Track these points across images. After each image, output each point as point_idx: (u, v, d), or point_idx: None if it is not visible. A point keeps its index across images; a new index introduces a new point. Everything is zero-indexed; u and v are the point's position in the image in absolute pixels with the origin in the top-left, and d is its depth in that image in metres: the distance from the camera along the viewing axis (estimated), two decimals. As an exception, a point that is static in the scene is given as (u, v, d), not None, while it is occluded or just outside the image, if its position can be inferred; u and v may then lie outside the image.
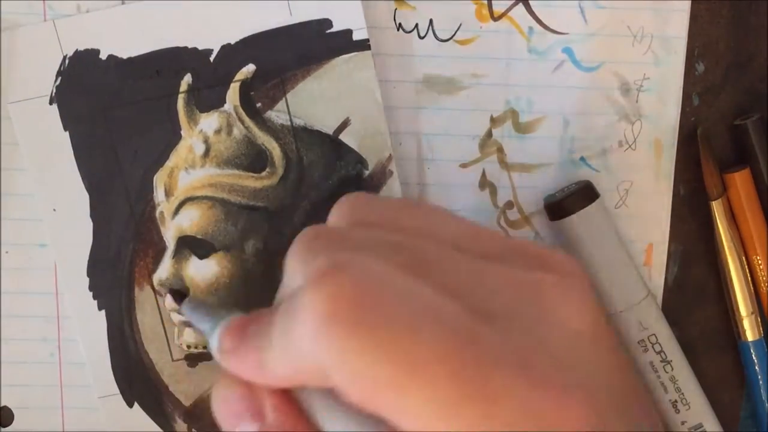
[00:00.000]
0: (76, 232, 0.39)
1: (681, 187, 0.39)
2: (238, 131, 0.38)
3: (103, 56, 0.38)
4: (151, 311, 0.40)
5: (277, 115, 0.38)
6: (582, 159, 0.39)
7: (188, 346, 0.40)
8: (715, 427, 0.39)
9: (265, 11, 0.37)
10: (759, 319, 0.39)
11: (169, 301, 0.39)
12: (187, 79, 0.38)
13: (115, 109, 0.38)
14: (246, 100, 0.38)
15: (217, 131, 0.38)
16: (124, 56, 0.38)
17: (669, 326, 0.38)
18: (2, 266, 0.40)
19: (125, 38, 0.38)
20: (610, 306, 0.38)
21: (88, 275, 0.39)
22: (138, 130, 0.38)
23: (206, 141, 0.38)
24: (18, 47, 0.38)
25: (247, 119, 0.38)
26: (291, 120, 0.38)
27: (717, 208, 0.38)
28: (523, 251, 0.27)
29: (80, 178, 0.39)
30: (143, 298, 0.40)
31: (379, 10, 0.38)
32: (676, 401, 0.38)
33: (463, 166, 0.39)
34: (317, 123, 0.38)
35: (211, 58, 0.38)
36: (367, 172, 0.38)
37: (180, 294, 0.38)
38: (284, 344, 0.26)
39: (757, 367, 0.39)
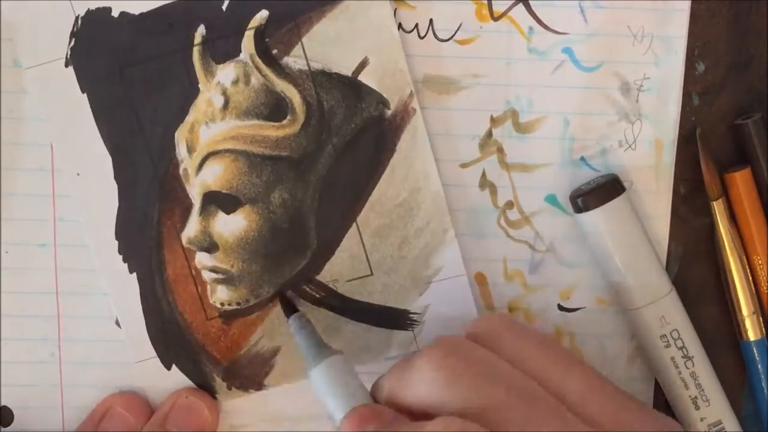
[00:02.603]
0: (101, 196, 0.39)
1: (681, 187, 0.39)
2: (255, 80, 0.38)
3: (115, 14, 0.37)
4: (182, 271, 0.39)
5: (294, 60, 0.37)
6: (582, 159, 0.38)
7: (221, 304, 0.39)
8: (734, 425, 0.38)
9: (275, -45, 0.37)
10: (761, 319, 0.38)
11: (199, 258, 0.39)
12: (201, 30, 0.37)
13: (131, 67, 0.38)
14: (262, 48, 0.37)
15: (235, 82, 0.38)
16: (136, 12, 0.37)
17: (691, 322, 0.38)
18: (2, 266, 0.40)
19: (136, -6, 0.37)
20: (632, 301, 0.38)
21: (117, 238, 0.39)
22: (155, 86, 0.38)
23: (224, 93, 0.38)
24: (29, 10, 0.37)
25: (264, 67, 0.38)
26: (308, 64, 0.37)
27: (717, 208, 0.38)
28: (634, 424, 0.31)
29: (101, 140, 0.38)
30: (173, 258, 0.39)
31: (379, 11, 0.37)
32: (696, 397, 0.38)
33: (463, 166, 0.39)
34: (335, 65, 0.37)
35: (224, 7, 0.37)
36: (389, 112, 0.38)
37: (291, 308, 0.38)
38: None
39: (759, 367, 0.39)
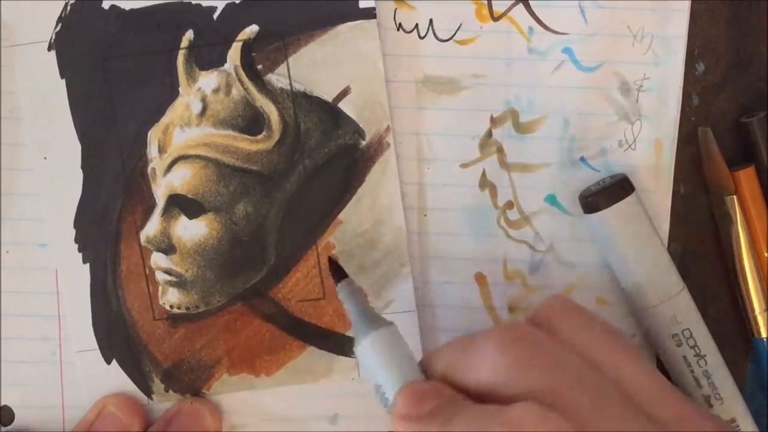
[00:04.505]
0: (65, 183, 0.39)
1: (681, 187, 0.39)
2: (236, 92, 0.38)
3: (105, 6, 0.37)
4: (136, 268, 0.39)
5: (277, 78, 0.38)
6: (582, 159, 0.39)
7: (171, 306, 0.39)
8: (748, 423, 0.38)
9: (273, -28, 0.37)
10: None
11: (154, 258, 0.39)
12: (189, 35, 0.38)
13: (114, 60, 0.38)
14: (247, 61, 0.38)
15: (216, 90, 0.38)
16: (126, 7, 0.37)
17: (704, 321, 0.38)
18: (2, 266, 0.39)
19: (129, -11, 0.37)
20: (644, 300, 0.38)
21: (75, 227, 0.39)
22: (136, 83, 0.38)
23: (204, 99, 0.38)
24: (20, -10, 0.37)
25: (246, 80, 0.38)
26: (291, 84, 0.38)
27: (731, 203, 0.38)
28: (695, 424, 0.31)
29: (74, 127, 0.38)
30: (129, 254, 0.39)
31: (379, 10, 0.37)
32: (709, 396, 0.38)
33: (463, 166, 0.39)
34: (317, 89, 0.38)
35: (215, 16, 0.37)
36: (364, 143, 0.38)
37: (340, 273, 0.36)
38: None
39: (772, 363, 0.39)
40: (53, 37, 0.38)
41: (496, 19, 0.38)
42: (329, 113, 0.38)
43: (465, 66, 0.38)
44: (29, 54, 0.38)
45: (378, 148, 0.38)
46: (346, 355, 0.39)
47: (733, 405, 0.38)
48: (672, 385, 0.32)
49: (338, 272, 0.36)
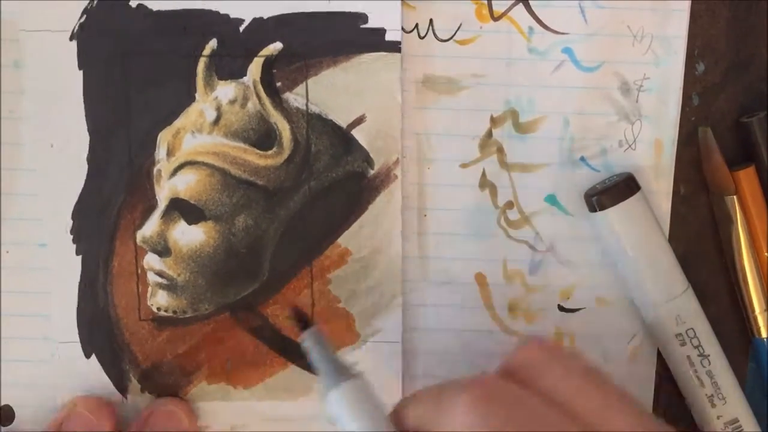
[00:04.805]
0: (69, 173, 0.38)
1: (681, 187, 0.40)
2: (252, 105, 0.38)
3: (132, 4, 0.37)
4: (128, 266, 0.39)
5: (294, 98, 0.38)
6: (582, 159, 0.39)
7: (158, 308, 0.39)
8: (751, 422, 0.39)
9: (304, -7, 0.37)
10: None
11: (148, 259, 0.39)
12: (212, 44, 0.38)
13: (135, 58, 0.38)
14: (267, 77, 0.38)
15: (232, 101, 0.38)
16: (154, 8, 0.37)
17: (707, 320, 0.38)
18: (2, 266, 0.39)
19: (159, -10, 0.37)
20: (648, 299, 0.38)
21: (73, 218, 0.39)
22: (153, 83, 0.38)
23: (219, 109, 0.38)
24: (50, -23, 0.37)
25: (264, 95, 0.38)
26: (307, 105, 0.38)
27: (731, 203, 0.38)
28: None
29: (85, 119, 0.38)
30: (123, 251, 0.39)
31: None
32: (712, 396, 0.38)
33: (463, 166, 0.39)
34: (332, 113, 0.38)
35: (241, 28, 0.38)
36: (372, 172, 0.38)
37: (304, 320, 0.35)
38: None
39: (772, 363, 0.39)
40: (77, 27, 0.37)
41: (496, 19, 0.38)
42: (341, 138, 0.38)
43: (465, 66, 0.38)
44: (50, 41, 0.37)
45: (385, 179, 0.38)
46: (326, 378, 0.40)
47: (735, 405, 0.38)
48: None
49: (303, 320, 0.35)
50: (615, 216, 0.37)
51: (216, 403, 0.40)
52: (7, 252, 0.39)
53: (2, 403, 0.40)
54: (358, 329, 0.39)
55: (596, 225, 0.39)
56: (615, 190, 0.37)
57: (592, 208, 0.38)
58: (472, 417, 0.30)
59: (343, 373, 0.33)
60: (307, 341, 0.34)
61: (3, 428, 0.40)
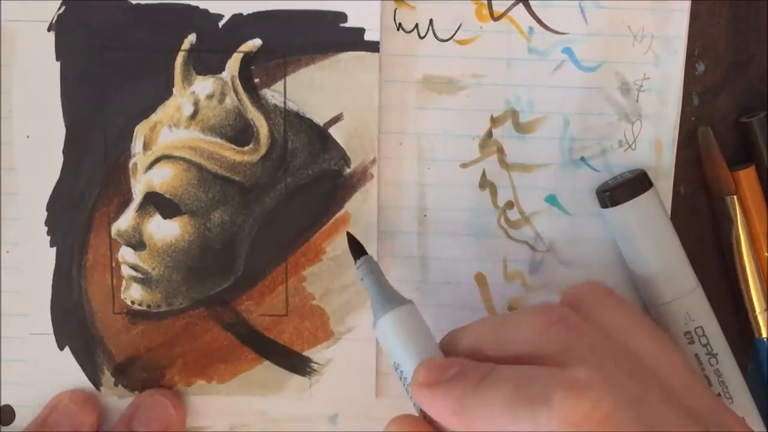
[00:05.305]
0: (44, 164, 0.38)
1: (681, 187, 0.40)
2: (230, 101, 0.38)
3: (112, -4, 0.37)
4: (103, 259, 0.39)
5: (272, 94, 0.38)
6: (582, 159, 0.39)
7: (132, 302, 0.39)
8: (758, 422, 0.39)
9: (284, -10, 0.37)
10: None
11: (122, 252, 0.39)
12: (191, 38, 0.38)
13: (113, 51, 0.38)
14: (245, 73, 0.38)
15: (209, 96, 0.38)
16: (134, 1, 0.37)
17: (716, 319, 0.38)
18: (2, 266, 0.39)
19: (138, -17, 0.37)
20: (658, 296, 0.38)
21: (47, 210, 0.39)
22: (131, 76, 0.38)
23: (196, 104, 0.38)
24: (28, -33, 0.37)
25: (241, 91, 0.38)
26: (285, 102, 0.38)
27: (731, 203, 0.39)
28: (727, 421, 0.30)
29: (61, 111, 0.38)
30: (98, 244, 0.39)
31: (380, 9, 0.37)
32: (719, 395, 0.38)
33: (463, 166, 0.39)
34: (310, 111, 0.38)
35: (220, 24, 0.37)
36: (348, 170, 0.38)
37: (359, 250, 0.36)
38: (502, 412, 0.28)
39: (774, 363, 0.39)
40: (55, 18, 0.37)
41: (496, 19, 0.38)
42: (318, 136, 0.38)
43: (465, 66, 0.38)
44: (28, 31, 0.37)
45: (362, 177, 0.39)
46: (300, 374, 0.40)
47: (742, 404, 0.38)
48: (704, 381, 0.32)
49: (358, 248, 0.36)
50: (628, 212, 0.37)
51: (189, 398, 0.40)
52: (7, 252, 0.39)
53: (2, 403, 0.40)
54: (333, 326, 0.39)
55: (607, 221, 0.38)
56: (628, 185, 0.37)
57: (604, 204, 0.38)
58: (536, 336, 0.30)
59: (393, 300, 0.34)
60: (360, 268, 0.36)
61: (3, 428, 0.40)
